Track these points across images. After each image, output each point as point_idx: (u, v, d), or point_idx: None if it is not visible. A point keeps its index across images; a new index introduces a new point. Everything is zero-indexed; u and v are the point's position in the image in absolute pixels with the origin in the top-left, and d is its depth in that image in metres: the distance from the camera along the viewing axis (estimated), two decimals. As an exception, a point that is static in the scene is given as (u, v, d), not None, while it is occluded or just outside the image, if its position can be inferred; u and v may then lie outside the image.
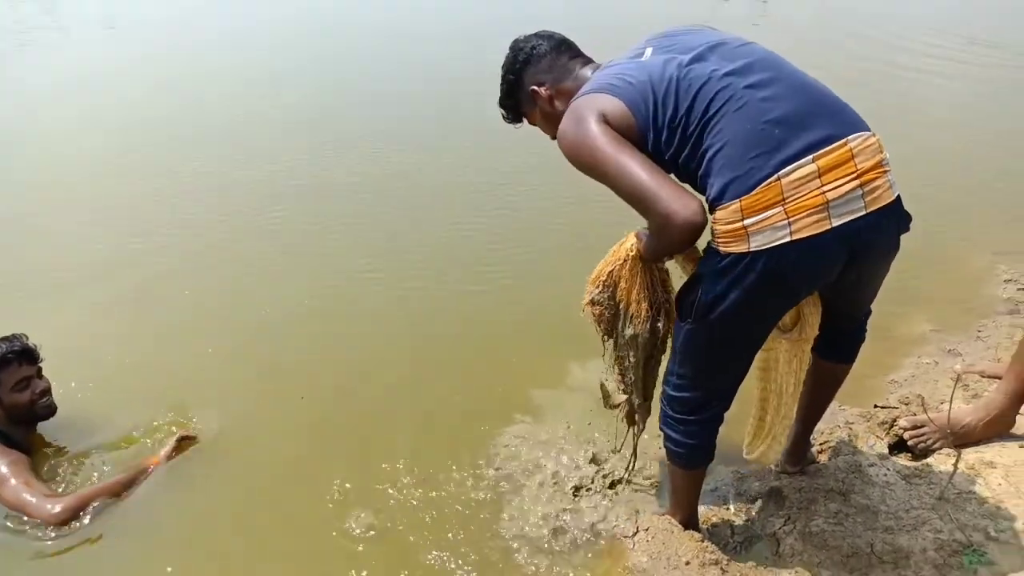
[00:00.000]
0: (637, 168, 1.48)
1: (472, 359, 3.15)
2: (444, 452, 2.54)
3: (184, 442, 2.55)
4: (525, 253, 3.99)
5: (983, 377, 2.69)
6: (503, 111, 1.97)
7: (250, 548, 2.25)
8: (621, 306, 1.81)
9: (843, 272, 1.56)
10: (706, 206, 1.50)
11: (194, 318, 3.44)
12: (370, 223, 4.39)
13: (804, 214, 1.42)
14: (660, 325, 1.81)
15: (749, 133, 1.45)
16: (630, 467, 2.30)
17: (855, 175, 1.44)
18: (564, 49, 1.85)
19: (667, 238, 1.52)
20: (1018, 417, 2.38)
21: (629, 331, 1.82)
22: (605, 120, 1.55)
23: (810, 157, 1.43)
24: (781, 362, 1.94)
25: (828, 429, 2.49)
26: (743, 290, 1.51)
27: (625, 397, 2.01)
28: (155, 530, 2.28)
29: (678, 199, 1.43)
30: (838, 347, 1.96)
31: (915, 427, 2.32)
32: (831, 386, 2.05)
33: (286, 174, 5.06)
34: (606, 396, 2.09)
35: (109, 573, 2.19)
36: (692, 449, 1.85)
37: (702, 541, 2.01)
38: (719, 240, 1.51)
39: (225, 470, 2.52)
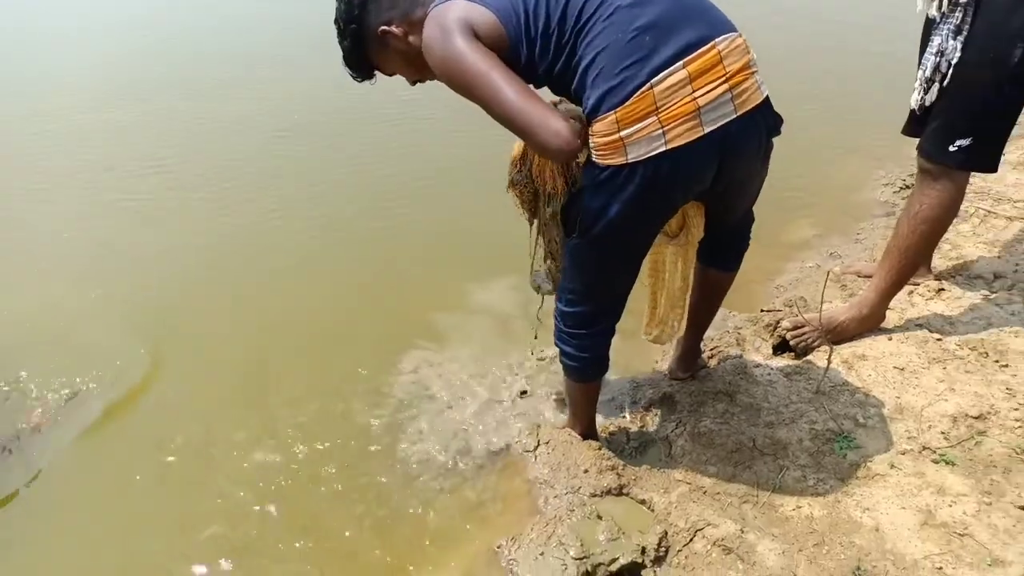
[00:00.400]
0: (511, 94, 1.42)
1: (373, 288, 3.11)
2: (346, 380, 2.53)
3: None
4: (425, 184, 3.96)
5: (859, 276, 2.86)
6: (351, 70, 1.76)
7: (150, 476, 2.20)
8: (538, 184, 1.78)
9: (718, 175, 1.57)
10: (579, 123, 1.48)
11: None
12: (272, 164, 4.26)
13: (677, 122, 1.42)
14: None
15: (620, 42, 1.42)
16: None
17: (724, 78, 1.43)
18: None
19: (546, 159, 1.56)
20: (888, 312, 2.55)
21: (549, 209, 1.80)
22: (474, 33, 1.47)
23: (681, 63, 1.41)
24: (668, 263, 1.98)
25: (718, 335, 2.60)
26: (624, 202, 1.51)
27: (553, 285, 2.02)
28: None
29: (549, 130, 1.40)
30: (722, 255, 2.02)
31: (796, 327, 2.45)
32: (717, 294, 2.12)
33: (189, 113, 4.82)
34: (537, 288, 2.10)
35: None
36: (586, 362, 1.89)
37: (599, 449, 2.08)
38: (598, 153, 1.49)
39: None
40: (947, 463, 1.87)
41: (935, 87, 2.13)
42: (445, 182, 4.00)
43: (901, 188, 3.64)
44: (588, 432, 2.13)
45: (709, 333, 2.45)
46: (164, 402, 2.49)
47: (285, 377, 2.56)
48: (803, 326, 2.45)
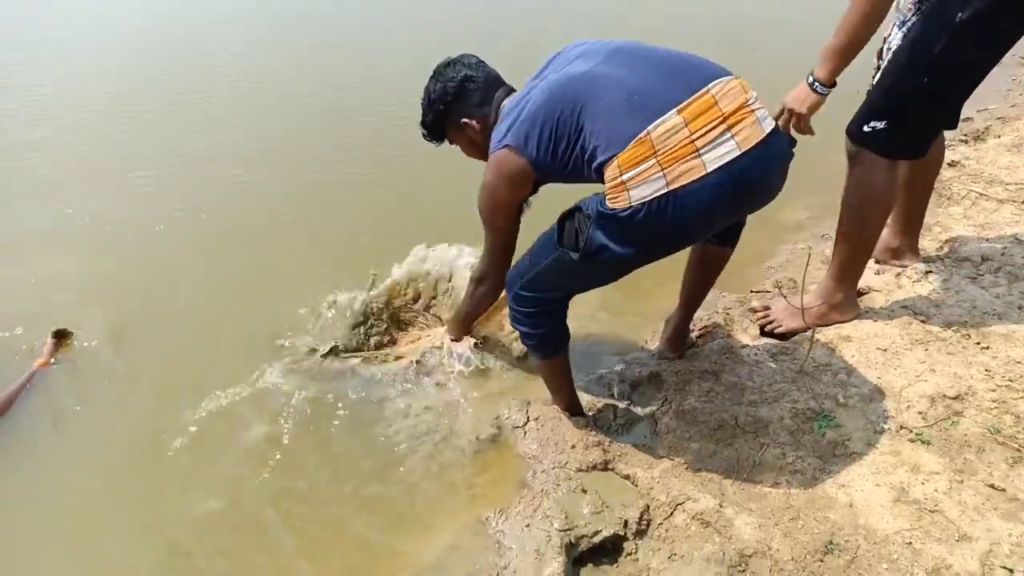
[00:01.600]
0: (499, 247, 2.00)
1: (331, 248, 3.22)
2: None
3: (61, 339, 2.58)
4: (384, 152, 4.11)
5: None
6: (426, 133, 2.09)
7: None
8: None
9: (744, 206, 1.75)
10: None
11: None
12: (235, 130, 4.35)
13: (677, 164, 1.50)
14: None
15: (617, 106, 1.57)
16: None
17: (720, 119, 1.52)
18: (492, 83, 1.97)
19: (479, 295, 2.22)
20: (875, 294, 2.60)
21: None
22: (513, 181, 1.78)
23: (674, 110, 1.52)
24: None
25: (707, 316, 2.64)
26: (628, 241, 1.61)
27: None
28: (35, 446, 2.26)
29: (493, 283, 2.13)
30: (722, 232, 2.05)
31: (762, 310, 2.50)
32: (714, 271, 2.18)
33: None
34: None
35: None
36: (543, 338, 1.98)
37: (587, 426, 2.15)
38: (607, 195, 1.59)
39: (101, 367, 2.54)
40: (923, 442, 1.93)
41: (879, 74, 2.18)
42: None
43: (896, 170, 3.66)
44: (572, 407, 2.19)
45: (699, 313, 2.49)
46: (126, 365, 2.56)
47: (246, 338, 2.63)
48: (767, 309, 2.52)
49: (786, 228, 3.29)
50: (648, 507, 1.88)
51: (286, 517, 2.01)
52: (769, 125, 1.59)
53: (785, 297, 2.59)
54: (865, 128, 2.17)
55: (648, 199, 1.53)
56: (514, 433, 2.22)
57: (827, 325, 2.45)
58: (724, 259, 2.14)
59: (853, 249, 2.36)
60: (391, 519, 2.00)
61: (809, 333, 2.38)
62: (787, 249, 3.13)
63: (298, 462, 2.18)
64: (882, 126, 2.14)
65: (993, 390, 2.06)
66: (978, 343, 2.24)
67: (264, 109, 4.89)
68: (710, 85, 1.55)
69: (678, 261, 2.12)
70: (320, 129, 4.52)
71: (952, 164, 3.52)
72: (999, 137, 3.81)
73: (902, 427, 1.98)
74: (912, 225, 2.73)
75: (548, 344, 2.01)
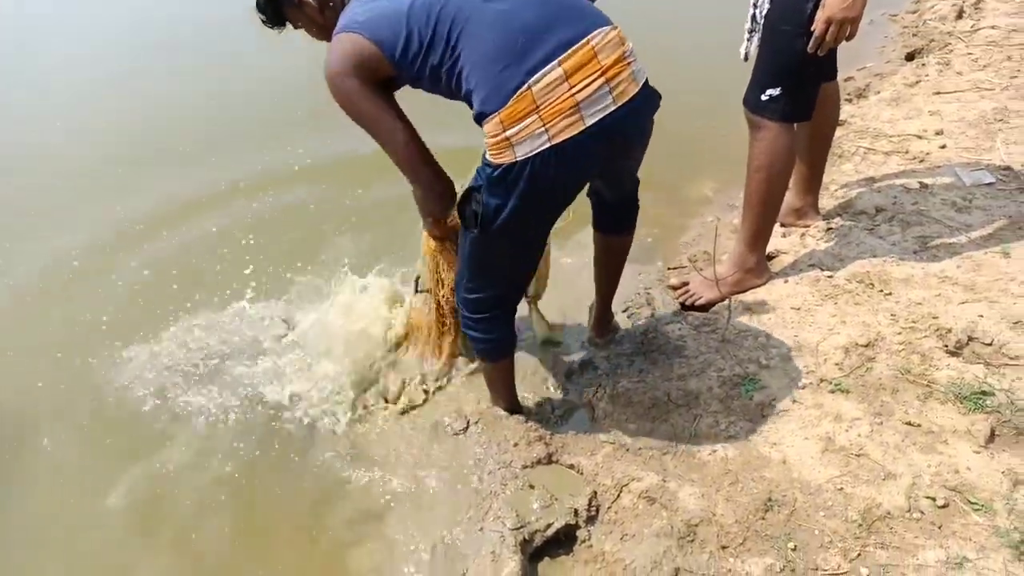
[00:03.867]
0: (399, 144, 1.69)
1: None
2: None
3: None
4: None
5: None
6: (262, 15, 1.91)
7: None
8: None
9: (608, 160, 1.69)
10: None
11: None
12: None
13: (558, 118, 1.50)
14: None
15: (495, 46, 1.50)
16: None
17: (600, 72, 1.51)
18: None
19: (426, 208, 1.90)
20: (784, 256, 2.71)
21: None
22: (360, 69, 1.60)
23: (556, 61, 1.48)
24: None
25: (629, 297, 2.71)
26: (518, 197, 1.60)
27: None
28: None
29: (433, 191, 1.79)
30: (618, 222, 2.11)
31: (680, 286, 2.59)
32: (618, 259, 2.21)
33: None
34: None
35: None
36: (494, 343, 1.98)
37: (526, 422, 2.17)
38: (490, 152, 1.57)
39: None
40: (842, 391, 2.03)
41: (755, 38, 2.27)
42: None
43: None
44: (512, 407, 2.22)
45: (621, 294, 2.55)
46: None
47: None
48: (685, 284, 2.60)
49: (695, 203, 3.39)
50: (595, 493, 1.91)
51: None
52: (642, 78, 1.60)
53: (700, 271, 2.68)
54: (763, 97, 2.26)
55: (532, 154, 1.52)
56: (455, 440, 2.22)
57: (743, 291, 2.54)
58: (626, 245, 2.17)
59: (762, 214, 2.46)
60: (335, 545, 1.98)
61: (727, 302, 2.47)
62: (697, 223, 3.23)
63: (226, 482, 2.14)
64: (778, 92, 2.23)
65: (899, 333, 2.18)
66: (881, 291, 2.37)
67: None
68: (591, 35, 1.51)
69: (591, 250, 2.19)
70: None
71: (840, 123, 3.70)
72: (879, 93, 4.02)
73: (822, 380, 2.08)
74: (812, 185, 2.86)
75: (498, 349, 2.02)
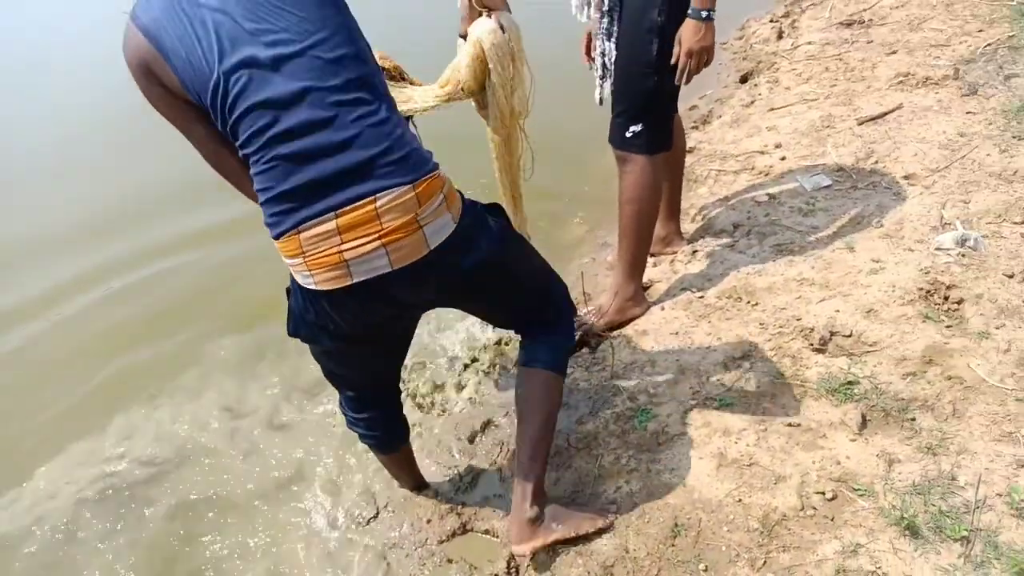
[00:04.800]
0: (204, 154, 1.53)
1: None
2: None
3: None
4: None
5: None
6: None
7: None
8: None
9: (401, 311, 1.61)
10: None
11: None
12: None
13: (323, 269, 1.41)
14: None
15: (284, 179, 1.38)
16: None
17: (377, 235, 1.38)
18: None
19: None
20: (657, 284, 2.84)
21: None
22: (150, 74, 1.40)
23: (332, 214, 1.37)
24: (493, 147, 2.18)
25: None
26: (302, 320, 1.57)
27: None
28: None
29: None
30: (523, 349, 1.91)
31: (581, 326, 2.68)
32: (531, 399, 1.88)
33: None
34: None
35: None
36: (379, 439, 1.99)
37: (436, 496, 2.16)
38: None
39: None
40: (727, 406, 2.12)
41: (608, 83, 2.43)
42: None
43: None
44: (419, 484, 2.20)
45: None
46: None
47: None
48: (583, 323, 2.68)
49: (568, 246, 3.50)
50: (512, 554, 1.91)
51: None
52: (439, 238, 1.45)
53: (582, 315, 2.75)
54: (627, 135, 2.39)
55: (304, 287, 1.47)
56: (367, 528, 2.18)
57: (627, 321, 2.64)
58: (536, 386, 1.87)
59: (636, 243, 2.57)
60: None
61: (610, 342, 2.56)
62: (575, 266, 3.34)
63: None
64: (640, 128, 2.36)
65: (769, 340, 2.31)
66: (748, 302, 2.52)
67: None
68: (380, 194, 1.37)
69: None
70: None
71: (690, 151, 3.94)
72: (720, 117, 4.31)
73: (707, 398, 2.18)
74: (674, 212, 3.03)
75: (383, 445, 2.01)
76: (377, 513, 2.19)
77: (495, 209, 1.70)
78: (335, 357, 1.74)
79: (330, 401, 2.62)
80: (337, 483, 2.37)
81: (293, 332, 1.62)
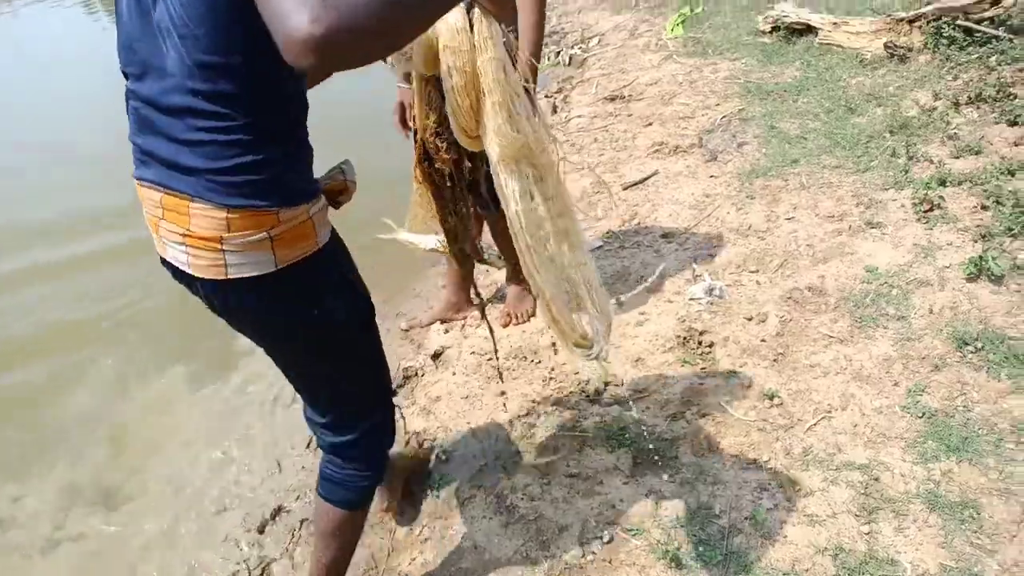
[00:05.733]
0: None
1: None
2: None
3: None
4: None
5: (422, 327, 3.19)
6: None
7: None
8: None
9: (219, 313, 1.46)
10: None
11: None
12: None
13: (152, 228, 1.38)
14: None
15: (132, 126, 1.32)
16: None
17: (154, 219, 1.34)
18: None
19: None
20: (449, 350, 2.91)
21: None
22: None
23: (138, 181, 1.34)
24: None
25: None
26: None
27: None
28: None
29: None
30: (326, 473, 1.65)
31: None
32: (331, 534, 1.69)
33: None
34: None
35: None
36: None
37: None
38: None
39: None
40: (515, 463, 2.21)
41: None
42: None
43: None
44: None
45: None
46: None
47: None
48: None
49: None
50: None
51: None
52: (185, 259, 1.32)
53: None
54: None
55: None
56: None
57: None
58: (335, 521, 1.67)
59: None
60: None
61: (401, 419, 2.57)
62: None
63: None
64: None
65: (551, 395, 2.45)
66: (532, 360, 2.66)
67: None
68: (166, 190, 1.28)
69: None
70: None
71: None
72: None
73: (497, 457, 2.25)
74: (465, 282, 3.13)
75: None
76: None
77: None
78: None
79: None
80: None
81: None
